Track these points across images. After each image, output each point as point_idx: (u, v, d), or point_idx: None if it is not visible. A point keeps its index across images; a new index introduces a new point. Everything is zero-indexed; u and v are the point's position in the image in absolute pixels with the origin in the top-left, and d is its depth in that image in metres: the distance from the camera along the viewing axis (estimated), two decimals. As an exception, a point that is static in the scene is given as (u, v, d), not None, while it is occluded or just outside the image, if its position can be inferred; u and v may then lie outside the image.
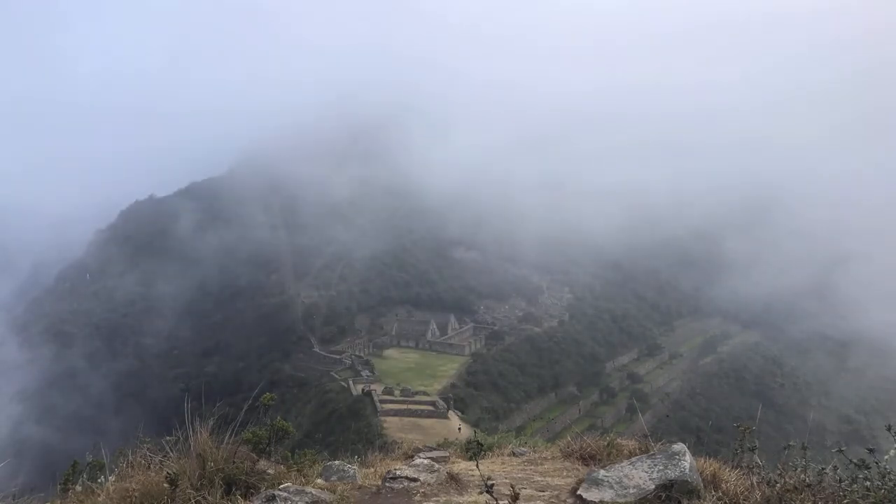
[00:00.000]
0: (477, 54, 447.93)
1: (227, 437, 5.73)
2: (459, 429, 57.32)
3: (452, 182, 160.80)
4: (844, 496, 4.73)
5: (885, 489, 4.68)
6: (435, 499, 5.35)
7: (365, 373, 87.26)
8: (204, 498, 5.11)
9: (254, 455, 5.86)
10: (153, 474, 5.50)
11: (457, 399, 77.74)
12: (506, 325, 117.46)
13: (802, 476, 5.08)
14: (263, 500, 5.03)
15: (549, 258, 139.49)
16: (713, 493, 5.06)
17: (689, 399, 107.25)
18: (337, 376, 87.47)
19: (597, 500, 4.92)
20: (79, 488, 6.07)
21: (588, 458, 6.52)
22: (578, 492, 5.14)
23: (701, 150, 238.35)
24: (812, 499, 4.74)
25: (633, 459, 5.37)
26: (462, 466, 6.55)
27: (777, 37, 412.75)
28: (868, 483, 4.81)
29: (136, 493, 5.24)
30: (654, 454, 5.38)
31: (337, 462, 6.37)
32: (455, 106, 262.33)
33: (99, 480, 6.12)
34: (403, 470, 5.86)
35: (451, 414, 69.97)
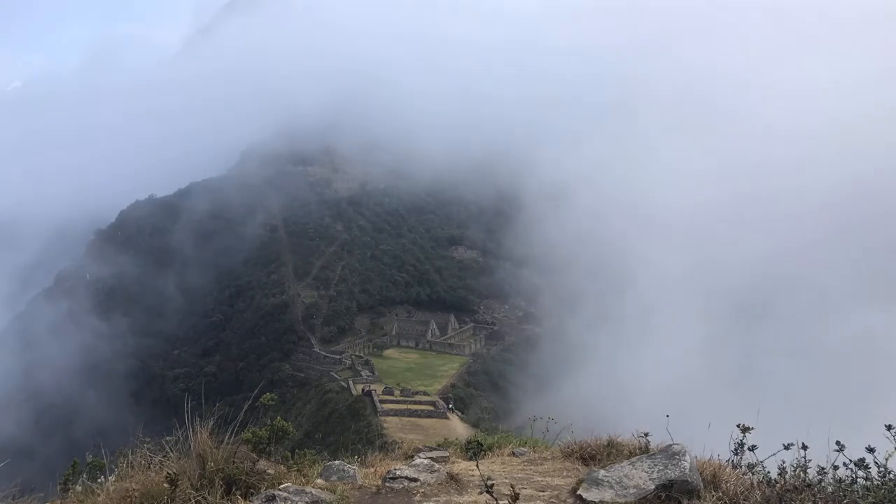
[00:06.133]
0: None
1: (227, 437, 5.72)
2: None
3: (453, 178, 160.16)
4: (844, 496, 4.73)
5: (885, 489, 4.68)
6: (435, 499, 5.35)
7: (365, 373, 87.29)
8: (204, 498, 5.10)
9: (254, 455, 5.85)
10: (153, 474, 5.49)
11: (457, 399, 77.81)
12: (506, 325, 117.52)
13: (802, 476, 5.08)
14: (263, 500, 5.02)
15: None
16: (713, 493, 5.05)
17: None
18: (337, 376, 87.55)
19: (597, 500, 4.92)
20: (79, 488, 6.07)
21: (588, 458, 6.52)
22: (578, 492, 5.14)
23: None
24: (812, 499, 4.74)
25: (633, 459, 5.36)
26: (462, 466, 6.54)
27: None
28: (868, 483, 4.81)
29: (136, 493, 5.24)
30: (654, 454, 5.37)
31: (337, 462, 6.36)
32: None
33: (99, 480, 6.11)
34: (403, 470, 5.86)
35: (450, 414, 70.01)
